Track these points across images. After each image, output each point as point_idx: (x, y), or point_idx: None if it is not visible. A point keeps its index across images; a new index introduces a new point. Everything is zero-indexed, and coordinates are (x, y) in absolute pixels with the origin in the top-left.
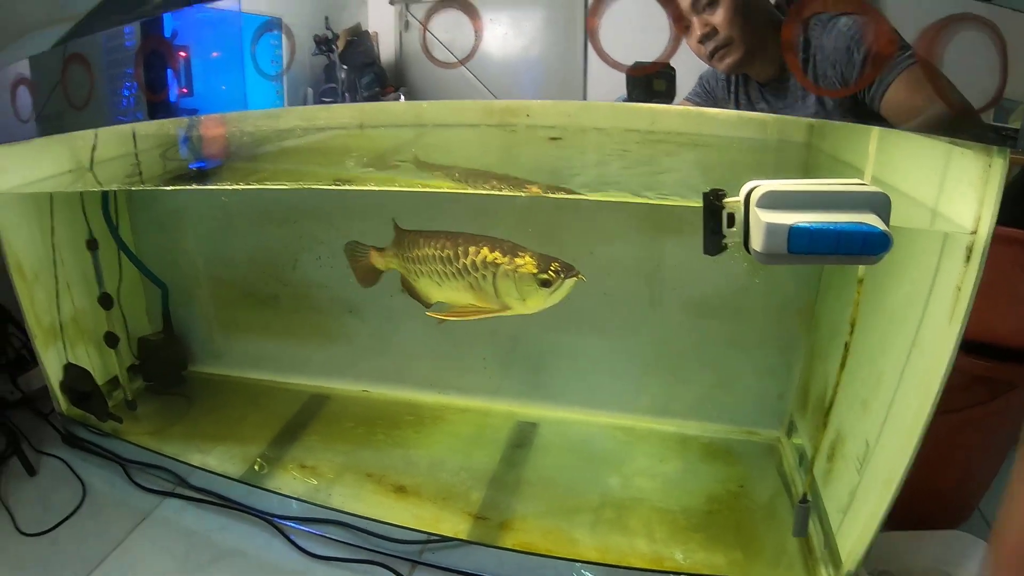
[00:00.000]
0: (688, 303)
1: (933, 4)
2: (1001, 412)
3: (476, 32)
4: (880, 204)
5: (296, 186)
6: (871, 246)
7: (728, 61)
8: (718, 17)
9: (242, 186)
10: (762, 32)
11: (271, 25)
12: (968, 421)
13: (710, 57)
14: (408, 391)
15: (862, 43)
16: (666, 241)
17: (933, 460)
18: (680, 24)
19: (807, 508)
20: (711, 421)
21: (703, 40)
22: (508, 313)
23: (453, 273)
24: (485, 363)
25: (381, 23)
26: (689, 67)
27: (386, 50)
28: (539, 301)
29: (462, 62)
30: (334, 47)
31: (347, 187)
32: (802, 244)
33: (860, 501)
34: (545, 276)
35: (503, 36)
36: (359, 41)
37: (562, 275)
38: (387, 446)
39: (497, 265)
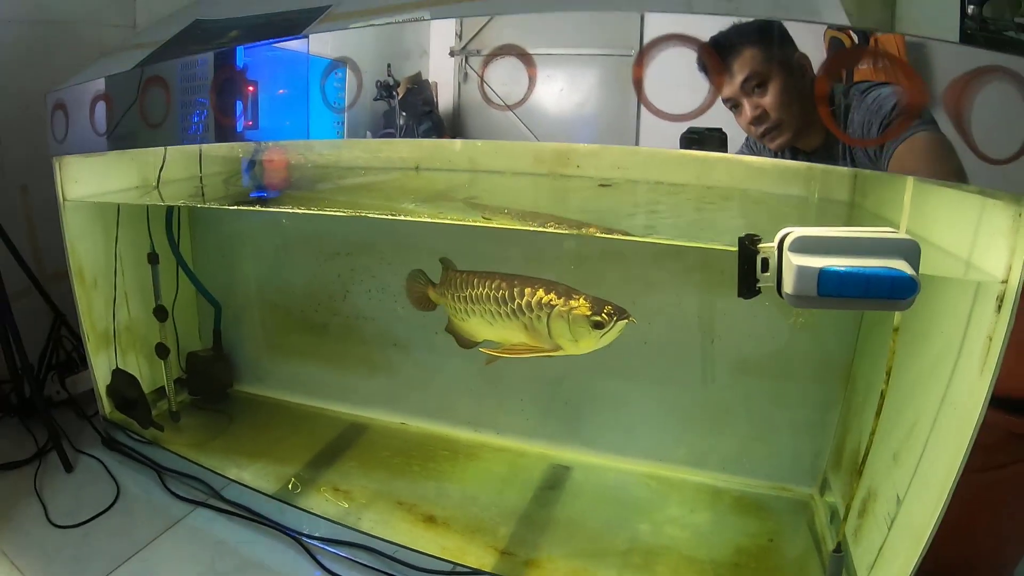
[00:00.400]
0: (728, 357)
1: (961, 57)
2: None
3: (530, 79)
4: (910, 250)
5: (353, 213)
6: (899, 290)
7: (779, 142)
8: (768, 99)
9: (302, 210)
10: (810, 108)
11: (336, 66)
12: (1004, 481)
13: (761, 138)
14: (446, 426)
15: (881, 112)
16: (708, 295)
17: (967, 521)
18: (729, 103)
19: (841, 559)
20: (745, 475)
21: (754, 123)
22: (559, 353)
23: (507, 313)
24: (523, 405)
25: (441, 74)
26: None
27: (444, 100)
28: (591, 342)
29: (512, 107)
30: (395, 93)
31: (405, 217)
32: (831, 287)
33: (889, 558)
34: (598, 319)
35: (559, 91)
36: (419, 89)
37: (614, 317)
38: (421, 477)
39: (552, 306)
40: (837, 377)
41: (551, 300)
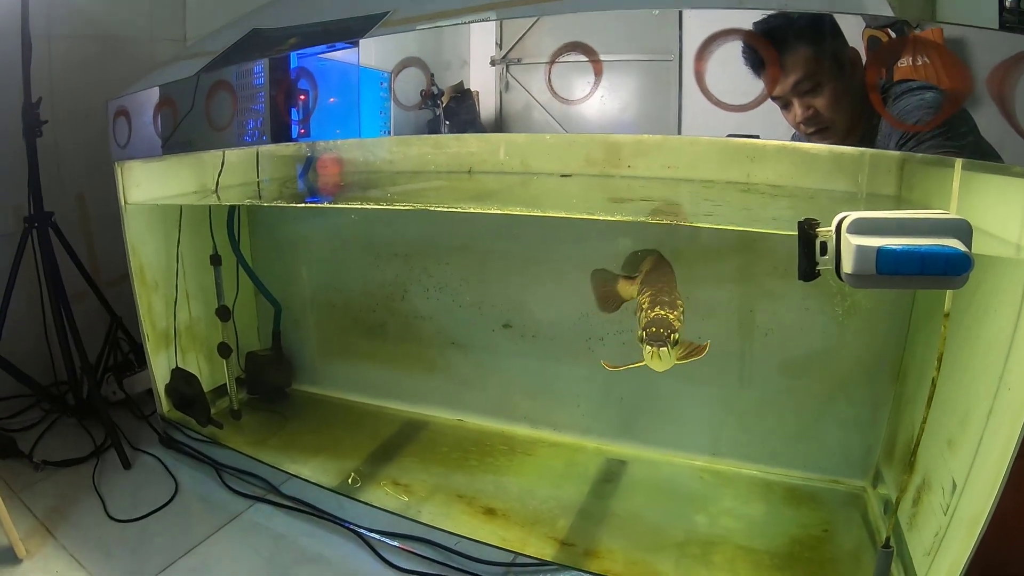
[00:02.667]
0: (779, 352)
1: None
2: None
3: (596, 75)
4: (961, 229)
5: (421, 208)
6: (954, 266)
7: (827, 143)
8: (821, 101)
9: (373, 206)
10: (859, 109)
11: (383, 77)
12: None
13: (808, 137)
14: (503, 423)
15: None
16: (759, 292)
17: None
18: (779, 101)
19: (890, 554)
20: (797, 468)
21: (804, 122)
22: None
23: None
24: (579, 401)
25: (482, 83)
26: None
27: (486, 108)
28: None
29: (578, 101)
30: (439, 102)
31: (470, 210)
32: (889, 265)
33: (946, 544)
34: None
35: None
36: (462, 98)
37: (652, 344)
38: (479, 471)
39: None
40: (888, 371)
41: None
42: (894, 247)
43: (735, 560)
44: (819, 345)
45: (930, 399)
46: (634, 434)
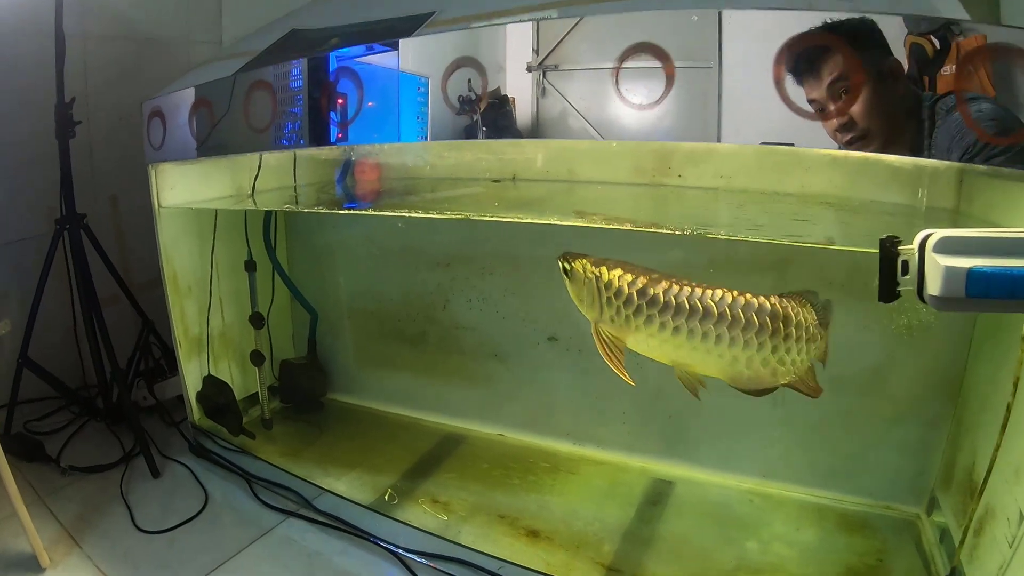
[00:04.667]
0: (832, 375)
1: None
2: None
3: (668, 78)
4: None
5: (456, 216)
6: None
7: (864, 153)
8: (856, 107)
9: (403, 212)
10: (897, 116)
11: (422, 83)
12: None
13: (846, 146)
14: (545, 439)
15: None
16: None
17: None
18: (815, 105)
19: None
20: (849, 493)
21: (840, 130)
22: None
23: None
24: (625, 418)
25: (519, 89)
26: None
27: (522, 114)
28: None
29: (649, 108)
30: (477, 107)
31: (509, 219)
32: (979, 287)
33: None
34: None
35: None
36: (499, 104)
37: None
38: (521, 490)
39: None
40: (945, 393)
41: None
42: (986, 268)
43: None
44: (875, 363)
45: (1005, 424)
46: (681, 453)
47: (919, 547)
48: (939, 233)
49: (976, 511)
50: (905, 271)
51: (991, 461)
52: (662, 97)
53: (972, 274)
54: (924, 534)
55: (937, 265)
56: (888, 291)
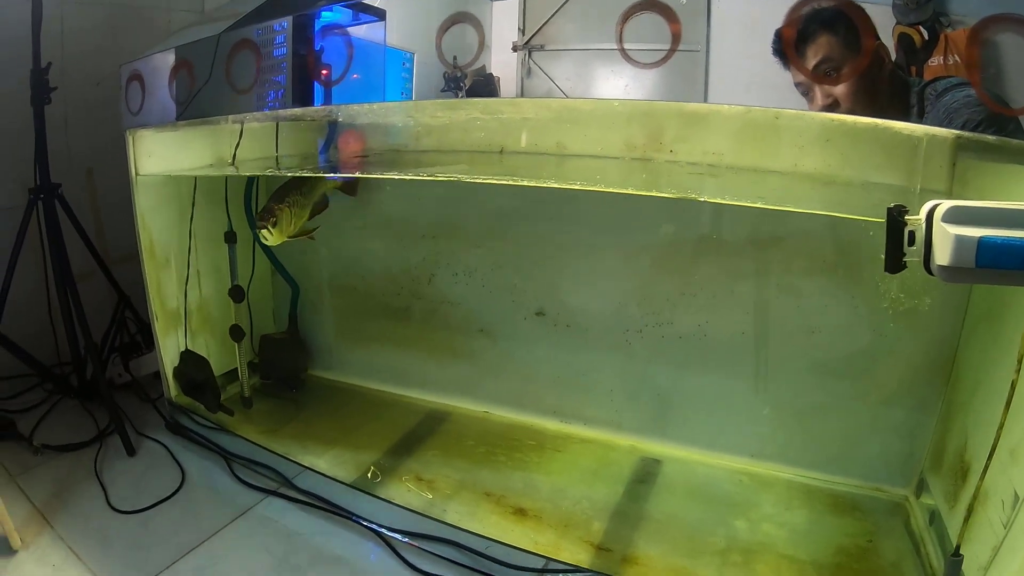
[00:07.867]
0: (823, 355)
1: None
2: None
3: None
4: None
5: (452, 178)
6: None
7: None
8: (840, 89)
9: (389, 175)
10: (882, 99)
11: (407, 58)
12: None
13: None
14: (531, 416)
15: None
16: (806, 288)
17: None
18: (801, 87)
19: (959, 562)
20: (838, 474)
21: (825, 110)
22: None
23: None
24: (612, 396)
25: (504, 68)
26: None
27: (507, 94)
28: None
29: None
30: (462, 84)
31: (500, 181)
32: (990, 257)
33: (1005, 558)
34: None
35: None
36: (485, 82)
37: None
38: (507, 468)
39: None
40: (935, 376)
41: None
42: (997, 238)
43: (780, 570)
44: (864, 344)
45: (1008, 403)
46: (670, 432)
47: (907, 528)
48: (947, 203)
49: (980, 490)
50: (912, 241)
51: (995, 440)
52: (665, 59)
53: (983, 243)
54: (913, 516)
55: (947, 234)
56: (894, 261)
